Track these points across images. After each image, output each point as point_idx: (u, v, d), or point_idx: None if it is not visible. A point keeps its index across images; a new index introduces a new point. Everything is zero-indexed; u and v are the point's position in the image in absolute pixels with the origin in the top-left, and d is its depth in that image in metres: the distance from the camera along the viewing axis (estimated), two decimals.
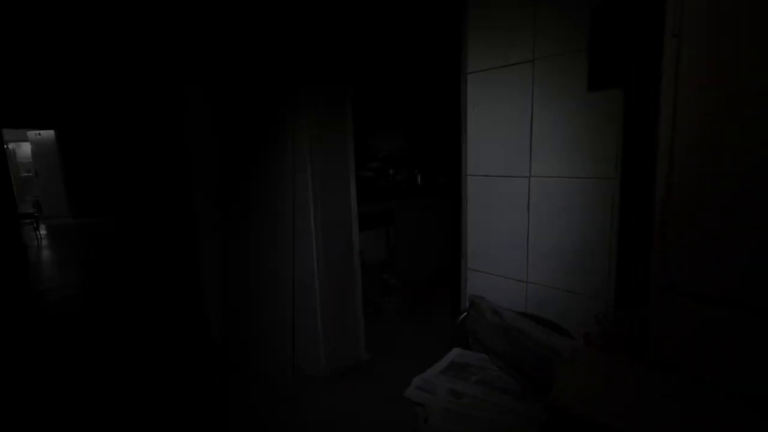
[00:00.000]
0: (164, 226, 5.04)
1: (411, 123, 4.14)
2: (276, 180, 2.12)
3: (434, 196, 3.46)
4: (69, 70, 4.82)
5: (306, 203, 2.06)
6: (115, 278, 4.34)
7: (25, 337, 2.91)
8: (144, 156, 5.83)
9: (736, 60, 0.67)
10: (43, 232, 6.85)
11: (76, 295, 3.77)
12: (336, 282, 2.18)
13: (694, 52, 0.71)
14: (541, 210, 1.24)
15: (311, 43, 1.94)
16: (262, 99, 2.20)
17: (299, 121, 2.01)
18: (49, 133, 7.96)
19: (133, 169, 6.53)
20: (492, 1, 1.25)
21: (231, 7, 2.23)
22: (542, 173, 1.21)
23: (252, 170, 2.30)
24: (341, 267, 2.20)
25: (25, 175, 9.88)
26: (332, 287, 2.15)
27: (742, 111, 0.67)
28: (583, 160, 1.12)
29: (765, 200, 0.66)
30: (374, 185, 3.33)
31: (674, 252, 0.77)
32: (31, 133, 8.10)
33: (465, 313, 1.38)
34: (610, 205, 1.07)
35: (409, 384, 1.23)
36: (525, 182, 1.24)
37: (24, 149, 9.74)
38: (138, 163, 6.19)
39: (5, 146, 6.82)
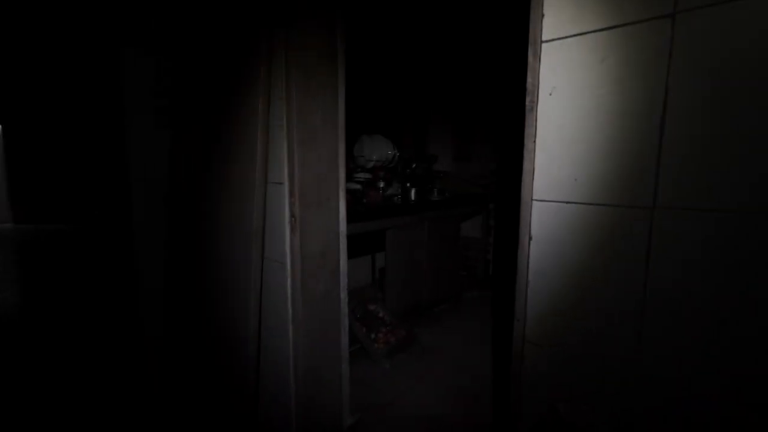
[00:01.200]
0: (106, 235, 4.36)
1: (406, 128, 3.70)
2: (239, 193, 1.61)
3: (430, 211, 3.02)
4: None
5: (279, 224, 1.57)
6: (47, 297, 3.64)
7: None
8: (87, 152, 5.12)
9: None
10: None
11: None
12: (316, 328, 1.68)
13: None
14: (675, 267, 0.71)
15: None
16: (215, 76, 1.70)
17: (274, 95, 1.52)
18: None
19: (78, 168, 5.78)
20: None
21: None
22: (681, 201, 0.70)
23: (206, 180, 1.78)
24: (324, 308, 1.71)
25: None
26: (311, 334, 1.65)
27: None
28: None
29: None
30: (360, 200, 2.85)
31: None
32: None
33: None
34: None
35: None
36: (644, 216, 0.74)
37: None
38: (83, 161, 5.46)
39: None
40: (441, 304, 3.29)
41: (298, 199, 1.54)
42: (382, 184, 3.00)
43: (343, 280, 1.76)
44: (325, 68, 1.60)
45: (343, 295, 1.77)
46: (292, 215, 1.54)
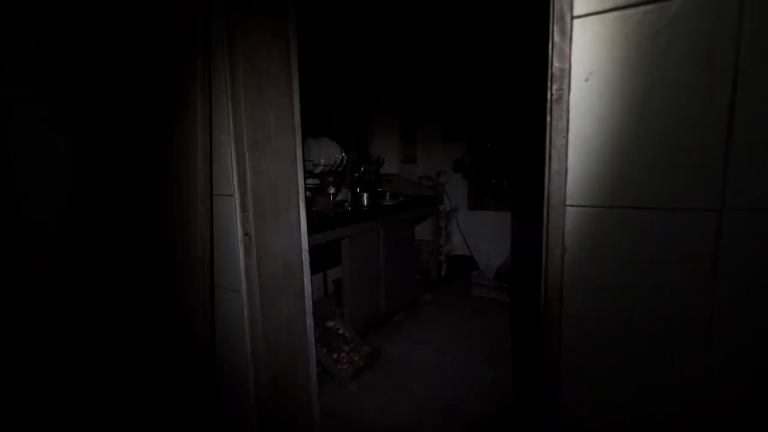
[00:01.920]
0: None
1: (350, 130, 3.51)
2: (176, 211, 1.31)
3: (384, 216, 2.87)
4: None
5: (230, 245, 1.30)
6: None
7: None
8: None
9: None
10: None
11: None
12: (281, 362, 1.43)
13: None
14: (753, 281, 0.61)
15: None
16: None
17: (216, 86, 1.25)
18: None
19: None
20: None
21: None
22: (758, 200, 0.60)
23: (130, 197, 1.43)
24: (288, 338, 1.46)
25: None
26: (273, 366, 1.40)
27: None
28: None
29: None
30: (310, 209, 2.61)
31: None
32: None
33: None
34: None
35: None
36: (710, 221, 0.64)
37: None
38: None
39: None
40: (399, 312, 3.17)
41: (252, 213, 1.29)
42: (332, 190, 2.79)
43: (308, 303, 1.53)
44: (277, 58, 1.36)
45: (309, 321, 1.54)
46: (246, 233, 1.29)
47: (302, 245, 1.50)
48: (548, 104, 0.75)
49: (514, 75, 3.68)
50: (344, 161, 2.99)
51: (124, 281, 1.46)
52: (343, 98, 3.40)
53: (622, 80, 0.70)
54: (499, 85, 3.78)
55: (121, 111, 1.45)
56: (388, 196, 3.17)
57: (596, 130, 0.73)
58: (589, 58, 0.72)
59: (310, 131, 2.86)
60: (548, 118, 0.75)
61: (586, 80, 0.71)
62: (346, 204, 2.89)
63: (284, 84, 1.40)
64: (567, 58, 0.71)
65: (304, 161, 2.64)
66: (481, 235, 4.03)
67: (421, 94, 4.14)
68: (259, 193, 1.30)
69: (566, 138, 0.73)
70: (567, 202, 0.73)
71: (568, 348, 0.79)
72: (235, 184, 1.25)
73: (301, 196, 1.53)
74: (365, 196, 2.89)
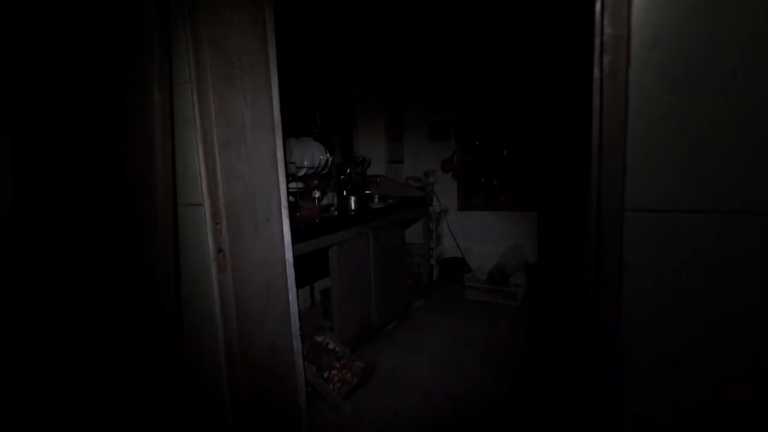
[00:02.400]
0: None
1: (333, 129, 3.33)
2: (135, 224, 1.11)
3: (373, 220, 2.70)
4: None
5: (200, 262, 1.11)
6: None
7: None
8: None
9: None
10: None
11: None
12: (265, 390, 1.24)
13: None
14: None
15: None
16: None
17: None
18: None
19: None
20: None
21: None
22: None
23: (84, 208, 1.22)
24: (272, 365, 1.28)
25: None
26: (256, 401, 1.21)
27: None
28: None
29: None
30: (293, 215, 2.42)
31: None
32: None
33: None
34: None
35: None
36: None
37: None
38: None
39: None
40: (392, 320, 3.00)
41: (225, 225, 1.10)
42: (317, 194, 2.60)
43: (295, 323, 1.35)
44: (251, 44, 1.18)
45: (297, 345, 1.36)
46: (219, 248, 1.10)
47: (286, 258, 1.32)
48: (596, 83, 0.58)
49: (505, 68, 3.57)
50: (329, 163, 2.80)
51: (73, 304, 1.24)
52: (326, 95, 3.21)
53: (705, 49, 0.52)
54: (488, 79, 3.66)
55: (67, 108, 1.24)
56: (376, 199, 3.01)
57: (666, 114, 0.55)
58: (656, 19, 0.54)
59: (292, 130, 2.67)
60: (596, 100, 0.59)
61: (652, 48, 0.54)
62: (333, 208, 2.70)
63: (260, 74, 1.21)
64: (624, 21, 0.55)
65: (286, 163, 2.45)
66: (472, 237, 3.90)
67: (407, 91, 3.99)
68: (234, 201, 1.12)
69: (624, 125, 0.57)
70: (627, 206, 0.57)
71: (634, 416, 0.59)
72: (205, 191, 1.06)
73: (284, 202, 1.35)
74: (353, 199, 2.71)
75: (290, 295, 1.33)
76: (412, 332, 2.85)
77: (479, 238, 3.86)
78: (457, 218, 3.94)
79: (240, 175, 1.14)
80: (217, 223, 1.08)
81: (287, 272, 1.31)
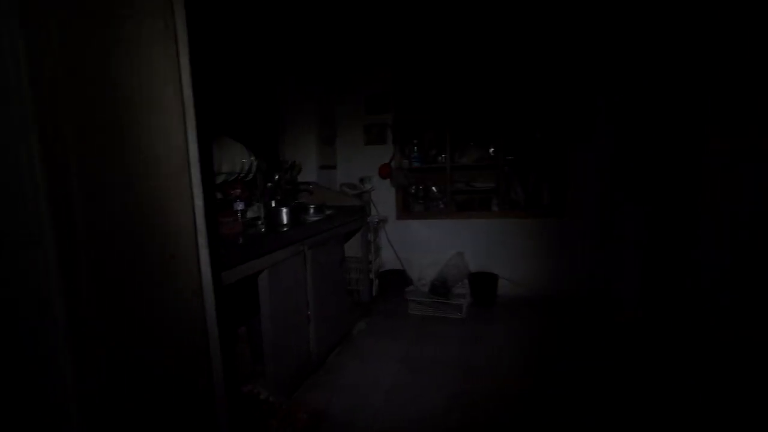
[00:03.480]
0: None
1: (257, 129, 2.83)
2: None
3: (311, 236, 2.28)
4: None
5: (41, 347, 0.63)
6: None
7: None
8: None
9: None
10: None
11: None
12: None
13: None
14: None
15: None
16: None
17: None
18: None
19: None
20: None
21: None
22: None
23: None
24: None
25: None
26: None
27: None
28: None
29: None
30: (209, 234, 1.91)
31: None
32: None
33: None
34: None
35: None
36: None
37: None
38: None
39: None
40: (334, 348, 2.60)
41: (89, 277, 0.64)
42: (240, 206, 2.11)
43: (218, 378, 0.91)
44: None
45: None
46: (74, 320, 0.63)
47: (208, 324, 0.87)
48: None
49: (444, 65, 3.42)
50: (254, 167, 2.32)
51: None
52: (248, 87, 2.71)
53: None
54: (426, 79, 3.48)
55: None
56: (311, 210, 2.59)
57: None
58: None
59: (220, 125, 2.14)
60: None
61: None
62: (260, 222, 2.22)
63: (160, 28, 0.77)
64: None
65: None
66: (412, 247, 3.68)
67: (339, 88, 3.63)
68: (107, 232, 0.66)
69: None
70: None
71: None
72: (47, 219, 0.59)
73: (200, 223, 0.91)
74: (284, 211, 2.27)
75: (210, 346, 0.89)
76: (358, 362, 2.49)
77: (419, 248, 3.65)
78: (396, 227, 3.69)
79: (112, 182, 0.69)
80: (73, 280, 0.62)
81: (210, 345, 0.87)
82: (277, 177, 2.62)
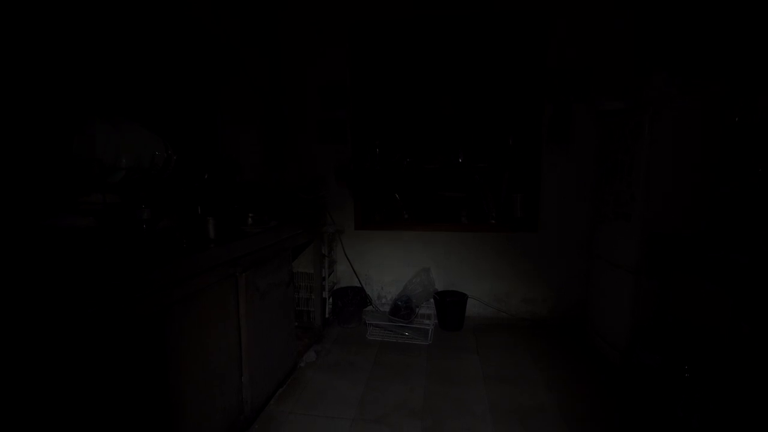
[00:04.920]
0: None
1: (180, 115, 2.27)
2: None
3: (249, 253, 1.77)
4: None
5: None
6: None
7: None
8: None
9: None
10: None
11: None
12: None
13: None
14: None
15: None
16: None
17: None
18: None
19: None
20: None
21: None
22: None
23: None
24: None
25: None
26: None
27: None
28: None
29: None
30: (96, 255, 1.36)
31: None
32: None
33: None
34: None
35: None
36: None
37: None
38: None
39: None
40: (276, 390, 2.10)
41: None
42: (146, 214, 1.56)
43: None
44: None
45: None
46: None
47: None
48: None
49: (411, 56, 3.04)
50: (172, 163, 1.78)
51: None
52: (170, 58, 2.14)
53: None
54: (389, 65, 3.08)
55: None
56: (250, 220, 2.08)
57: None
58: None
59: (102, 107, 1.57)
60: None
61: None
62: (178, 236, 1.68)
63: None
64: None
65: (86, 159, 1.37)
66: (371, 262, 3.25)
67: (290, 73, 3.13)
68: None
69: None
70: None
71: None
72: None
73: None
74: (212, 222, 1.74)
75: None
76: (304, 410, 2.00)
77: (380, 262, 3.23)
78: (354, 239, 3.23)
79: None
80: None
81: None
82: (207, 176, 2.08)
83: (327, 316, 3.02)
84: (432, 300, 3.07)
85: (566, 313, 3.06)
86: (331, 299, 3.07)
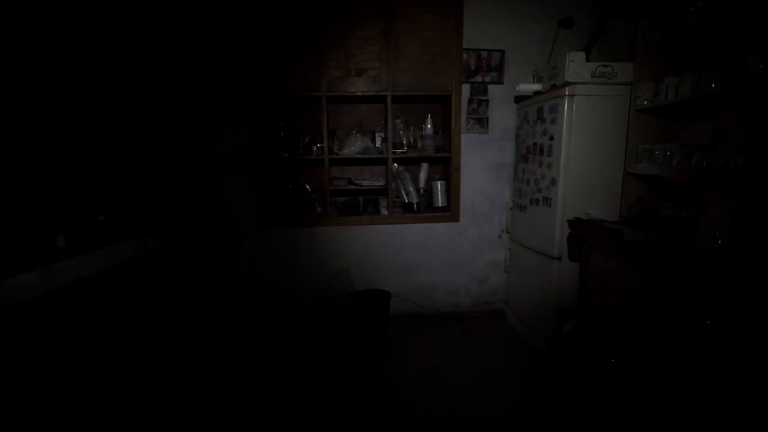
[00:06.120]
0: None
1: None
2: None
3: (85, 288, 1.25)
4: None
5: None
6: None
7: None
8: None
9: None
10: None
11: None
12: None
13: None
14: None
15: None
16: None
17: None
18: None
19: None
20: None
21: None
22: None
23: None
24: None
25: None
26: None
27: None
28: None
29: None
30: None
31: None
32: None
33: None
34: None
35: None
36: None
37: None
38: None
39: None
40: None
41: None
42: None
43: None
44: None
45: None
46: None
47: None
48: None
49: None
50: None
51: None
52: None
53: None
54: (295, 29, 2.63)
55: None
56: (100, 226, 1.51)
57: None
58: None
59: None
60: None
61: None
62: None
63: None
64: None
65: None
66: (282, 264, 2.80)
67: (171, 34, 2.49)
68: None
69: None
70: None
71: None
72: None
73: None
74: (61, 237, 1.17)
75: None
76: None
77: (292, 265, 2.80)
78: (258, 240, 2.75)
79: None
80: None
81: None
82: (26, 165, 1.45)
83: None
84: (352, 301, 2.77)
85: (490, 303, 3.01)
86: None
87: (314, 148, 2.76)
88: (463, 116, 2.78)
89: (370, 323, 2.68)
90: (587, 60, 2.11)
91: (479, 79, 2.74)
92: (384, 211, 2.85)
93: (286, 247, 2.78)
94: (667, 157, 1.84)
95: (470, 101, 2.77)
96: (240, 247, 2.69)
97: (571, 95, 2.07)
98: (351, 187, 2.83)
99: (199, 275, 2.25)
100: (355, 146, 2.73)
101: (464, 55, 2.70)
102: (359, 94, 2.69)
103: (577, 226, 2.12)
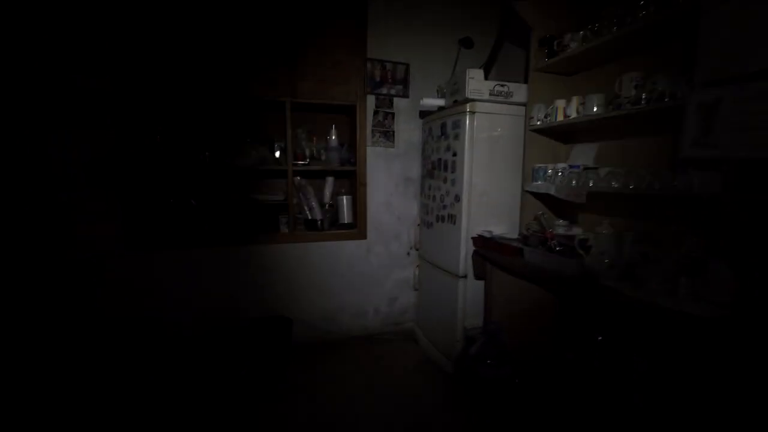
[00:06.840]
0: None
1: None
2: None
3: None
4: None
5: None
6: None
7: None
8: None
9: None
10: None
11: None
12: None
13: None
14: None
15: None
16: None
17: None
18: None
19: None
20: None
21: None
22: None
23: None
24: None
25: None
26: None
27: None
28: None
29: None
30: None
31: None
32: None
33: None
34: None
35: None
36: None
37: None
38: None
39: None
40: None
41: None
42: None
43: None
44: None
45: None
46: None
47: None
48: None
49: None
50: None
51: None
52: None
53: None
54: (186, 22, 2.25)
55: None
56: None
57: None
58: None
59: None
60: None
61: None
62: None
63: None
64: None
65: None
66: (157, 296, 2.35)
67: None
68: None
69: None
70: None
71: None
72: None
73: None
74: None
75: None
76: None
77: (169, 297, 2.36)
78: (127, 266, 2.27)
79: None
80: None
81: None
82: None
83: None
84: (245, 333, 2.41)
85: (401, 323, 2.89)
86: None
87: (202, 157, 2.39)
88: (369, 128, 2.66)
89: (265, 360, 2.35)
90: (486, 78, 2.12)
91: (384, 91, 2.65)
92: (284, 229, 2.57)
93: (162, 275, 2.33)
94: (558, 176, 1.89)
95: (376, 113, 2.66)
96: (102, 276, 2.18)
97: (472, 112, 2.06)
98: (246, 201, 2.50)
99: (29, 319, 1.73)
100: (254, 156, 2.43)
101: (368, 65, 2.59)
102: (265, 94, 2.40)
103: (480, 243, 2.10)
